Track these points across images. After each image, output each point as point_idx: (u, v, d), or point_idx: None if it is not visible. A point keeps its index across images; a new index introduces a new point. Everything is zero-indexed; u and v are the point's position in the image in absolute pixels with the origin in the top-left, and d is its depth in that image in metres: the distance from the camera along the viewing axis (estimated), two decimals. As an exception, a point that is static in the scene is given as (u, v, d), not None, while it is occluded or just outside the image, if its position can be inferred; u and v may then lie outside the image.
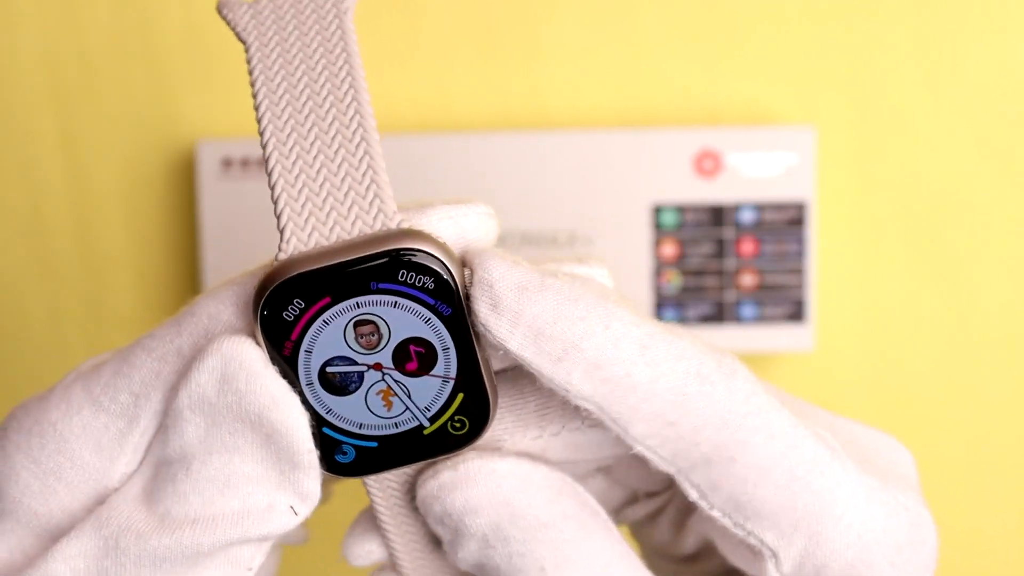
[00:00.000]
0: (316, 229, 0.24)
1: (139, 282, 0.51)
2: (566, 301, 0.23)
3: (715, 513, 0.25)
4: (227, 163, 0.48)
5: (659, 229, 0.47)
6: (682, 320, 0.47)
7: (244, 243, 0.48)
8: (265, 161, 0.24)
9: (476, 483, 0.25)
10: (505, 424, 0.26)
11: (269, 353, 0.24)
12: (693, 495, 0.25)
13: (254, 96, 0.25)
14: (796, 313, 0.47)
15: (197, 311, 0.25)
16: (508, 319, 0.23)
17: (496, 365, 0.26)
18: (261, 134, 0.24)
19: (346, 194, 0.24)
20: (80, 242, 0.51)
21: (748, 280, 0.47)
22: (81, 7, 0.49)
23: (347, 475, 0.25)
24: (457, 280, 0.24)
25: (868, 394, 0.51)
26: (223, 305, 0.25)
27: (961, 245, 0.50)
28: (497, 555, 0.26)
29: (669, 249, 0.47)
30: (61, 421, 0.25)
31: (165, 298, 0.51)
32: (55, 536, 0.25)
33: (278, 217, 0.24)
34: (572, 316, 0.23)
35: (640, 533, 0.30)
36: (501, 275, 0.23)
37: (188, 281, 0.51)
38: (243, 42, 0.26)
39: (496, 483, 0.25)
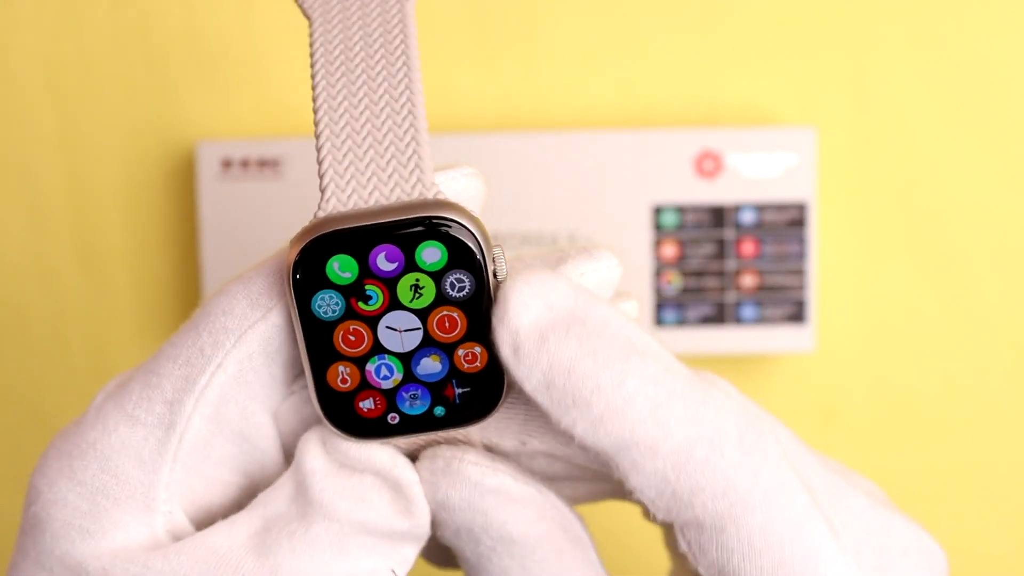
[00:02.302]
0: (356, 191, 0.24)
1: (139, 282, 0.51)
2: (585, 354, 0.24)
3: (700, 570, 0.25)
4: (227, 164, 0.48)
5: (659, 230, 0.47)
6: (682, 321, 0.47)
7: (244, 243, 0.48)
8: (315, 124, 0.25)
9: (460, 486, 0.26)
10: (510, 423, 0.27)
11: (299, 306, 0.24)
12: (683, 547, 0.25)
13: (312, 65, 0.26)
14: (797, 314, 0.47)
15: (211, 310, 0.26)
16: (526, 365, 0.24)
17: None
18: (314, 99, 0.25)
19: (388, 161, 0.25)
20: (80, 242, 0.51)
21: (748, 281, 0.47)
22: (81, 7, 0.49)
23: (379, 435, 0.26)
24: (485, 253, 0.24)
25: (868, 394, 0.51)
26: (235, 299, 0.25)
27: (961, 245, 0.50)
28: (467, 547, 0.26)
29: (669, 250, 0.47)
30: (100, 440, 0.26)
31: (165, 298, 0.51)
32: (111, 554, 0.26)
33: (321, 176, 0.25)
34: (587, 371, 0.23)
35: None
36: (525, 321, 0.24)
37: (188, 281, 0.51)
38: (307, 17, 0.27)
39: (478, 495, 0.26)
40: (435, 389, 0.25)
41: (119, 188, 0.50)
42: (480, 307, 0.24)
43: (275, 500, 0.26)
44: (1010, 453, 0.51)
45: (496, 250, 0.25)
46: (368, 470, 0.26)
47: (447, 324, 0.25)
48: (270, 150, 0.48)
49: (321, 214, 0.24)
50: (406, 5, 0.27)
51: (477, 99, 0.50)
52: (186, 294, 0.51)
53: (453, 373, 0.25)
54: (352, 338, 0.25)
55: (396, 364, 0.25)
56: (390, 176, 0.24)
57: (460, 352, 0.25)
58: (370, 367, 0.25)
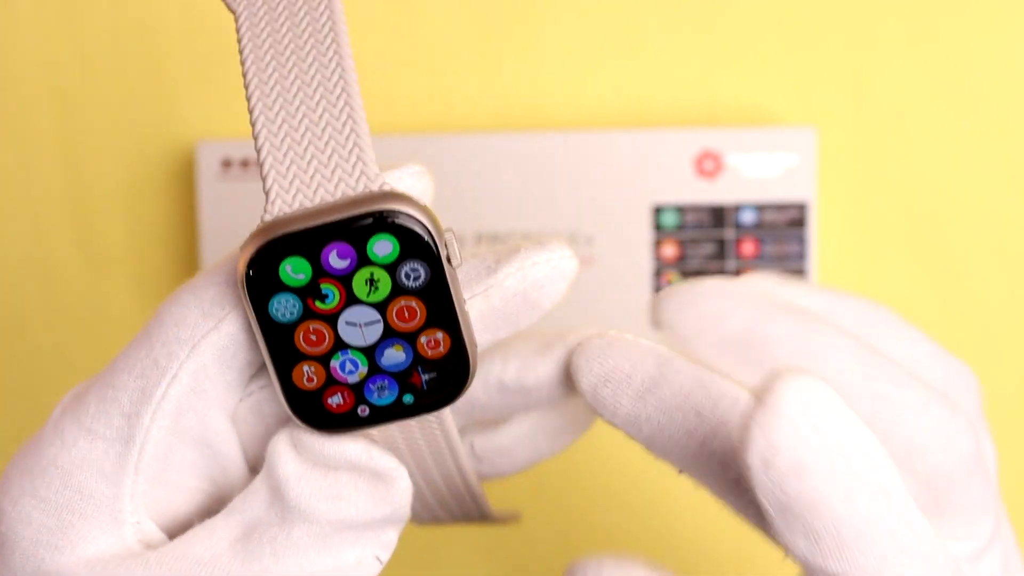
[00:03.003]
0: (300, 191, 0.24)
1: (139, 282, 0.51)
2: (839, 499, 0.23)
3: None
4: (227, 163, 0.48)
5: (659, 230, 0.47)
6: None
7: (244, 243, 0.48)
8: (252, 124, 0.25)
9: None
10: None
11: (256, 312, 0.24)
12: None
13: (242, 63, 0.25)
14: (796, 314, 0.47)
15: (163, 320, 0.26)
16: (770, 481, 0.23)
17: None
18: (248, 99, 0.25)
19: (330, 156, 0.24)
20: (80, 242, 0.51)
21: (748, 281, 0.47)
22: (81, 7, 0.49)
23: (351, 428, 0.26)
24: (437, 240, 0.24)
25: (868, 394, 0.51)
26: (186, 309, 0.25)
27: (961, 245, 0.50)
28: None
29: (669, 250, 0.47)
30: (60, 456, 0.26)
31: (165, 298, 0.51)
32: (86, 565, 0.26)
33: (264, 179, 0.24)
34: (833, 512, 0.23)
35: None
36: (789, 444, 0.23)
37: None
38: (232, 11, 0.26)
39: None
40: (401, 378, 0.25)
41: (119, 188, 0.50)
42: (437, 293, 0.24)
43: (251, 506, 0.26)
44: (1010, 453, 0.51)
45: (448, 235, 0.24)
46: (343, 466, 0.26)
47: (406, 314, 0.24)
48: (270, 150, 0.47)
49: (268, 217, 0.24)
50: None
51: (477, 99, 0.50)
52: (186, 294, 0.51)
53: (418, 361, 0.25)
54: (313, 337, 0.25)
55: (360, 358, 0.25)
56: (333, 172, 0.24)
57: (422, 339, 0.25)
58: (334, 363, 0.25)
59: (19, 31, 0.50)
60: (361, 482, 0.26)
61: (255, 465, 0.28)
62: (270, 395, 0.27)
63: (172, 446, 0.26)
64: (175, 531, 0.27)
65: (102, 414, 0.26)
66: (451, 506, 0.32)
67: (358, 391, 0.25)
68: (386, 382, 0.25)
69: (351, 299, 0.24)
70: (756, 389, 0.22)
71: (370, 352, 0.25)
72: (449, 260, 0.24)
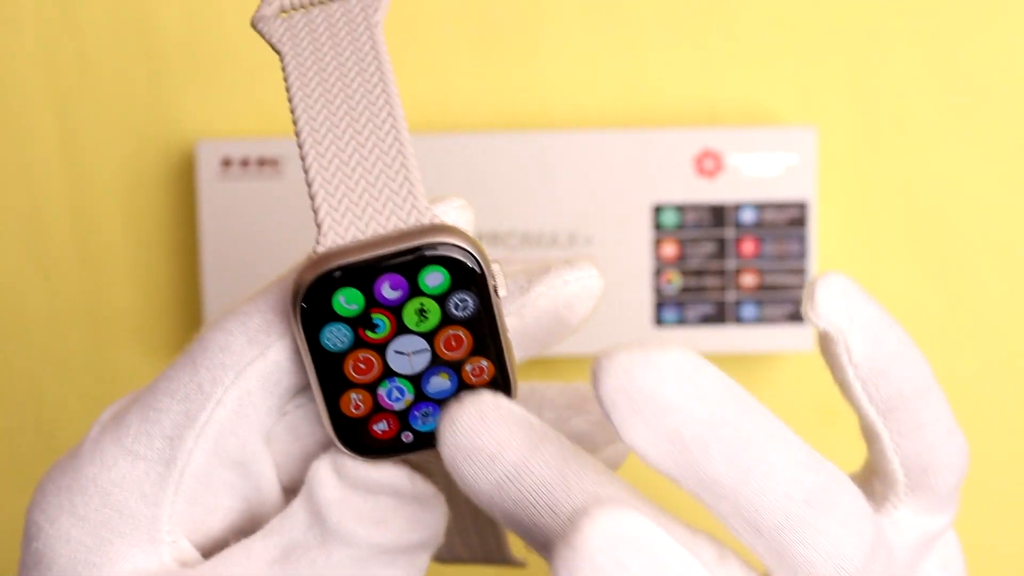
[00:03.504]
0: (353, 224, 0.25)
1: (139, 282, 0.51)
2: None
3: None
4: (227, 163, 0.48)
5: (659, 229, 0.47)
6: (682, 321, 0.47)
7: (244, 243, 0.48)
8: (302, 159, 0.25)
9: None
10: None
11: (309, 343, 0.25)
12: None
13: (290, 100, 0.26)
14: (797, 313, 0.47)
15: (208, 345, 0.26)
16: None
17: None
18: (297, 135, 0.26)
19: (381, 190, 0.25)
20: (80, 242, 0.51)
21: (749, 280, 0.47)
22: (81, 7, 0.49)
23: (393, 455, 0.26)
24: (486, 271, 0.25)
25: (869, 394, 0.51)
26: (232, 336, 0.26)
27: (961, 245, 0.50)
28: None
29: (669, 249, 0.47)
30: (100, 475, 0.26)
31: (165, 298, 0.51)
32: None
33: (315, 212, 0.25)
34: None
35: None
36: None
37: (188, 281, 0.51)
38: (278, 52, 0.27)
39: None
40: (446, 405, 0.26)
41: (119, 188, 0.50)
42: (484, 323, 0.25)
43: (290, 528, 0.27)
44: (1010, 452, 0.51)
45: (494, 266, 0.25)
46: (384, 491, 0.27)
47: (454, 343, 0.25)
48: (270, 149, 0.48)
49: (320, 248, 0.25)
50: (375, 31, 0.27)
51: (477, 99, 0.50)
52: (186, 294, 0.51)
53: (462, 388, 0.26)
54: (362, 366, 0.25)
55: (407, 386, 0.26)
56: (384, 205, 0.25)
57: (468, 367, 0.25)
58: (382, 391, 0.26)
59: (19, 31, 0.50)
60: (401, 507, 0.27)
61: (287, 483, 0.28)
62: (306, 415, 0.28)
63: (212, 468, 0.27)
64: (208, 549, 0.28)
65: (143, 435, 0.26)
66: (473, 543, 0.32)
67: (403, 418, 0.26)
68: (430, 409, 0.26)
69: (401, 328, 0.25)
70: (566, 524, 0.22)
71: (417, 380, 0.26)
72: (496, 291, 0.25)
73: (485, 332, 0.25)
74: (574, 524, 0.21)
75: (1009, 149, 0.49)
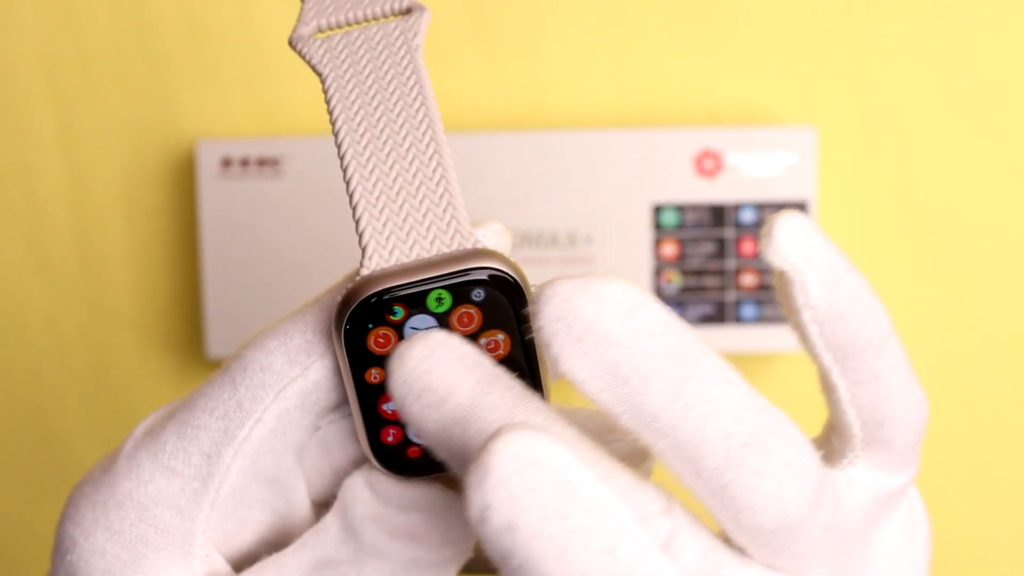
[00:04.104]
0: (397, 247, 0.25)
1: (139, 282, 0.51)
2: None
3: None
4: (226, 163, 0.48)
5: (659, 229, 0.47)
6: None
7: (244, 242, 0.48)
8: (346, 183, 0.25)
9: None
10: None
11: (352, 365, 0.25)
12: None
13: (332, 123, 0.26)
14: (796, 313, 0.47)
15: (248, 364, 0.26)
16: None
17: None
18: (341, 158, 0.26)
19: (424, 214, 0.25)
20: (80, 242, 0.51)
21: (749, 280, 0.47)
22: (81, 7, 0.49)
23: (427, 473, 0.27)
24: (528, 296, 0.25)
25: (869, 394, 0.51)
26: (272, 356, 0.26)
27: (961, 245, 0.50)
28: None
29: (669, 249, 0.47)
30: (136, 490, 0.26)
31: (165, 298, 0.51)
32: None
33: (360, 235, 0.25)
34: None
35: None
36: None
37: (188, 281, 0.51)
38: (319, 75, 0.27)
39: None
40: None
41: (119, 188, 0.51)
42: (523, 348, 0.25)
43: (322, 543, 0.27)
44: (1009, 452, 0.51)
45: (535, 289, 0.25)
46: (417, 507, 0.27)
47: None
48: (270, 149, 0.48)
49: (365, 271, 0.25)
50: (416, 54, 0.27)
51: (477, 99, 0.50)
52: (186, 294, 0.51)
53: None
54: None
55: None
56: (428, 228, 0.25)
57: None
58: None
59: (19, 31, 0.50)
60: (433, 522, 0.27)
61: (316, 497, 0.29)
62: (337, 431, 0.28)
63: (247, 484, 0.27)
64: (238, 561, 0.28)
65: (181, 451, 0.26)
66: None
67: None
68: None
69: None
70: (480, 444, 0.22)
71: None
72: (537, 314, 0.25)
73: (523, 355, 0.25)
74: (484, 445, 0.21)
75: (1009, 149, 0.49)
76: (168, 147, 0.50)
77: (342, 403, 0.27)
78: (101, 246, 0.51)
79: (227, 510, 0.27)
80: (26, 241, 0.51)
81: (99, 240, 0.51)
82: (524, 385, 0.23)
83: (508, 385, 0.22)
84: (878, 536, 0.26)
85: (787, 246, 0.24)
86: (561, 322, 0.22)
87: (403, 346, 0.22)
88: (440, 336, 0.22)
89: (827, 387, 0.26)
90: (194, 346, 0.51)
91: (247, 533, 0.28)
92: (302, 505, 0.28)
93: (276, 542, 0.28)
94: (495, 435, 0.21)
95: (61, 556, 0.27)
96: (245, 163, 0.48)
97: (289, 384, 0.26)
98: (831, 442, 0.27)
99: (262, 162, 0.48)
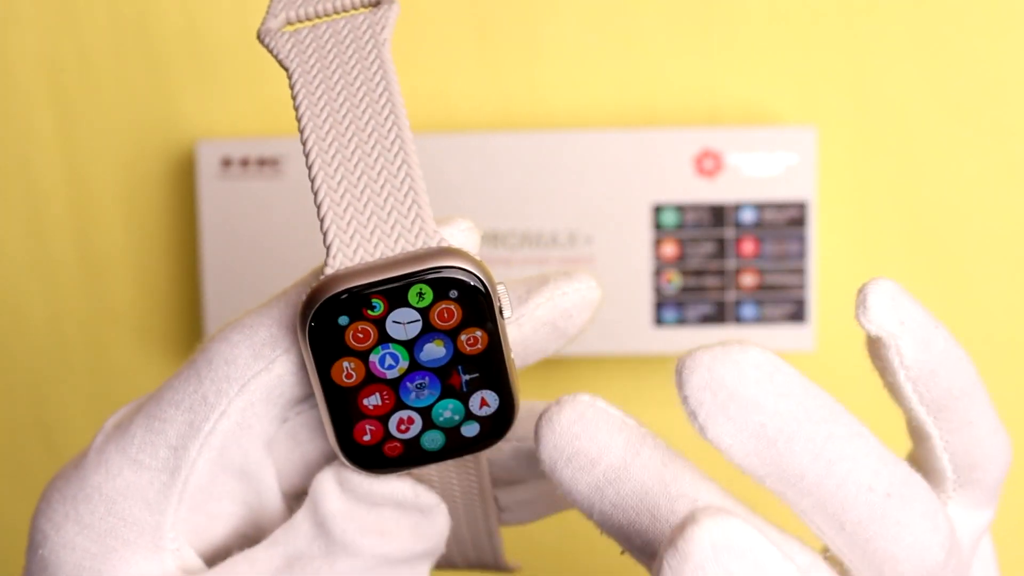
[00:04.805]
0: (361, 246, 0.25)
1: (139, 282, 0.51)
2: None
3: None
4: (227, 163, 0.48)
5: (659, 229, 0.47)
6: (682, 321, 0.47)
7: (244, 242, 0.48)
8: (311, 181, 0.25)
9: None
10: None
11: (316, 363, 0.25)
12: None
13: (298, 120, 0.26)
14: (797, 313, 0.47)
15: (213, 358, 0.26)
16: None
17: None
18: (306, 156, 0.26)
19: (389, 213, 0.25)
20: (80, 242, 0.51)
21: (749, 280, 0.47)
22: (81, 7, 0.49)
23: (399, 469, 0.27)
24: (492, 295, 0.25)
25: (868, 394, 0.51)
26: (237, 349, 0.26)
27: (961, 245, 0.50)
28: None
29: (669, 249, 0.47)
30: (105, 484, 0.26)
31: (165, 298, 0.51)
32: None
33: (324, 234, 0.25)
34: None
35: None
36: None
37: (188, 281, 0.51)
38: (285, 69, 0.27)
39: None
40: (451, 431, 0.26)
41: (119, 188, 0.51)
42: (490, 344, 0.25)
43: (293, 539, 0.27)
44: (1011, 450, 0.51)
45: (500, 287, 0.25)
46: (388, 503, 0.27)
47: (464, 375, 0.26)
48: (270, 149, 0.48)
49: (329, 271, 0.25)
50: (382, 49, 0.27)
51: (477, 99, 0.50)
52: (186, 294, 0.51)
53: (468, 416, 0.26)
54: (379, 402, 0.26)
55: (417, 416, 0.26)
56: (392, 227, 0.25)
57: (472, 400, 0.26)
58: (392, 419, 0.26)
59: (19, 31, 0.50)
60: (404, 518, 0.27)
61: (287, 488, 0.29)
62: (306, 422, 0.28)
63: (215, 476, 0.27)
64: (210, 555, 0.28)
65: (148, 445, 0.26)
66: (468, 551, 0.33)
67: (414, 443, 0.26)
68: (438, 434, 0.26)
69: (413, 364, 0.25)
70: (674, 526, 0.22)
71: (426, 411, 0.26)
72: (502, 312, 0.25)
73: (493, 356, 0.25)
74: (682, 531, 0.21)
75: (1009, 149, 0.49)
76: (168, 147, 0.50)
77: (308, 396, 0.27)
78: (101, 246, 0.51)
79: (196, 503, 0.27)
80: (26, 241, 0.51)
81: (99, 240, 0.51)
82: (668, 445, 0.23)
83: (655, 444, 0.23)
84: (975, 570, 0.28)
85: (881, 313, 0.25)
86: (706, 391, 0.23)
87: (552, 411, 0.23)
88: (587, 400, 0.23)
89: (920, 436, 0.27)
90: (194, 346, 0.51)
91: (218, 526, 0.28)
92: (273, 497, 0.28)
93: (248, 534, 0.29)
94: (692, 520, 0.21)
95: (33, 550, 0.27)
96: (245, 163, 0.48)
97: (253, 377, 0.26)
98: None
99: (262, 162, 0.48)
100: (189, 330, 0.51)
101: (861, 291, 0.25)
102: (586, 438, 0.23)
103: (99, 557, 0.26)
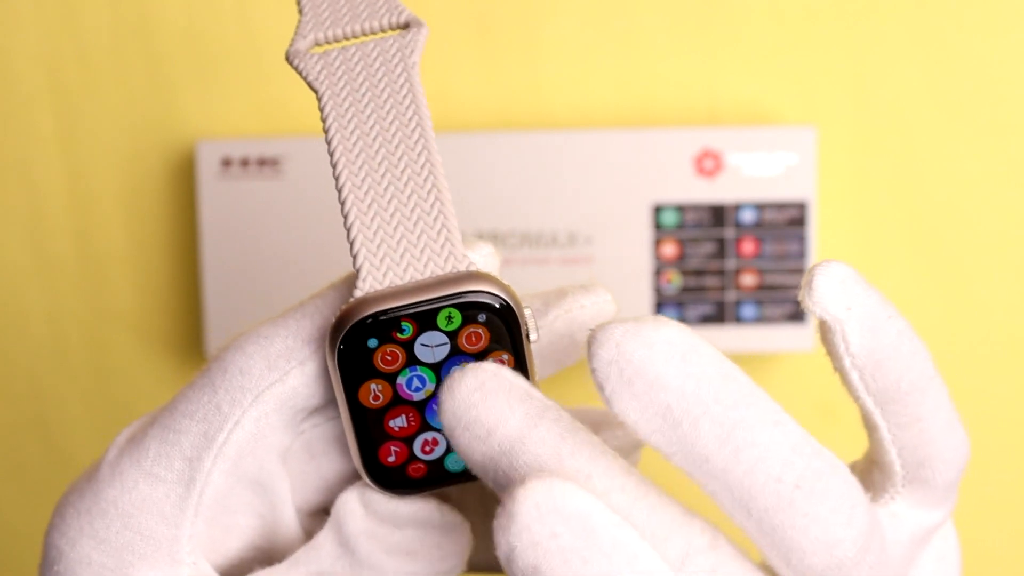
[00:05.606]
0: (391, 269, 0.25)
1: (139, 282, 0.51)
2: None
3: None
4: (227, 163, 0.48)
5: (659, 229, 0.47)
6: (682, 320, 0.47)
7: (244, 242, 0.48)
8: (341, 204, 0.26)
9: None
10: None
11: (344, 384, 0.25)
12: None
13: (328, 142, 0.26)
14: (796, 313, 0.47)
15: (227, 367, 0.26)
16: None
17: None
18: (336, 178, 0.26)
19: (419, 236, 0.25)
20: (80, 242, 0.51)
21: (748, 280, 0.47)
22: (81, 7, 0.49)
23: (423, 490, 0.27)
24: (520, 320, 0.25)
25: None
26: (252, 360, 0.26)
27: (961, 245, 0.50)
28: None
29: (669, 249, 0.47)
30: (120, 498, 0.26)
31: (165, 298, 0.51)
32: None
33: (354, 257, 0.25)
34: None
35: None
36: None
37: (188, 281, 0.51)
38: (315, 91, 0.27)
39: None
40: None
41: (119, 188, 0.51)
42: (517, 366, 0.25)
43: (316, 559, 0.27)
44: (1010, 453, 0.51)
45: (527, 311, 0.25)
46: (413, 523, 0.27)
47: None
48: (270, 149, 0.48)
49: (359, 293, 0.25)
50: (412, 72, 0.27)
51: (477, 99, 0.50)
52: (186, 294, 0.51)
53: None
54: (404, 424, 0.26)
55: (442, 437, 0.26)
56: (422, 251, 0.25)
57: None
58: (417, 441, 0.26)
59: (19, 31, 0.50)
60: (428, 537, 0.27)
61: (301, 503, 0.29)
62: (322, 435, 0.28)
63: (230, 488, 0.27)
64: (225, 569, 0.28)
65: (163, 457, 0.26)
66: (480, 548, 0.33)
67: (438, 465, 0.27)
68: None
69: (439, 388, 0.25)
70: (506, 492, 0.22)
71: None
72: (528, 336, 0.25)
73: (522, 375, 0.25)
74: (510, 492, 0.21)
75: (1009, 149, 0.49)
76: (168, 147, 0.50)
77: (323, 408, 0.27)
78: (101, 246, 0.51)
79: (212, 515, 0.27)
80: (26, 241, 0.51)
81: (99, 240, 0.51)
82: (572, 419, 0.23)
83: (556, 417, 0.23)
84: (915, 570, 0.27)
85: (827, 297, 0.25)
86: (613, 365, 0.22)
87: (454, 377, 0.23)
88: (491, 368, 0.23)
89: (869, 426, 0.27)
90: (194, 346, 0.51)
91: (233, 539, 0.28)
92: (287, 511, 0.28)
93: (262, 547, 0.28)
94: (521, 481, 0.21)
95: (48, 567, 0.27)
96: (245, 163, 0.48)
97: (267, 388, 0.26)
98: (872, 475, 0.27)
99: (262, 162, 0.48)
100: (189, 330, 0.51)
101: (809, 272, 0.25)
102: (483, 407, 0.22)
103: (116, 572, 0.26)
